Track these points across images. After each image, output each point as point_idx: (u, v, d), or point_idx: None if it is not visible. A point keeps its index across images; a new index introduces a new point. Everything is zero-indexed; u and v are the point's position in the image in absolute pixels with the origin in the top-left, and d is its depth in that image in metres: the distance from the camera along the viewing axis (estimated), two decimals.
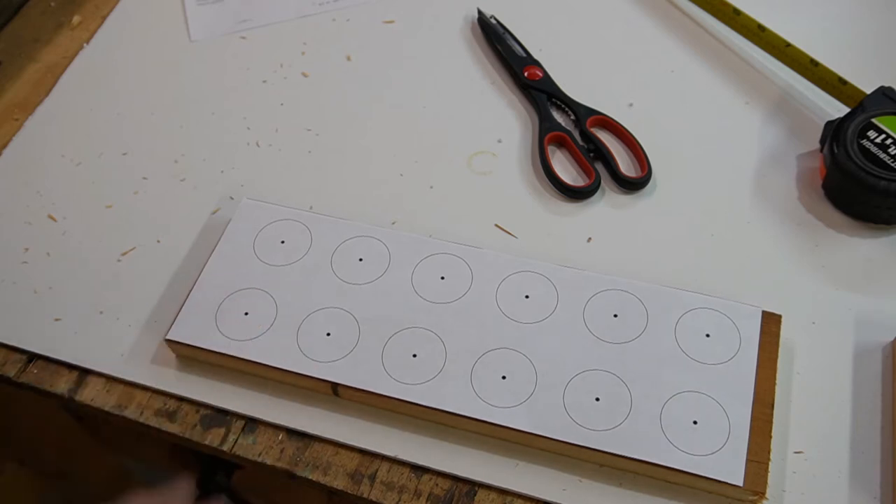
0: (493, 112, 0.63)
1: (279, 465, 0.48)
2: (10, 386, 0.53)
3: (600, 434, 0.46)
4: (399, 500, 0.47)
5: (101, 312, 0.54)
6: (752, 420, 0.46)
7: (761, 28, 0.62)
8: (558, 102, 0.62)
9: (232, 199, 0.59)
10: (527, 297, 0.51)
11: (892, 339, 0.50)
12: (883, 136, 0.54)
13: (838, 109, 0.59)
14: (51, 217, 0.59)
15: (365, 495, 0.47)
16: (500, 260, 0.52)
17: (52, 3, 0.73)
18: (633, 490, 0.46)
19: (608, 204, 0.58)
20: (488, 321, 0.50)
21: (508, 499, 0.47)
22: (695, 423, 0.46)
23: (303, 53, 0.68)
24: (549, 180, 0.58)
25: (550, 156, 0.60)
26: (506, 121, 0.63)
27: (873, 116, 0.55)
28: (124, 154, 0.62)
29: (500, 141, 0.61)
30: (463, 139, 0.62)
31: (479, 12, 0.68)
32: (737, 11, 0.64)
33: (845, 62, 0.60)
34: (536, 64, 0.64)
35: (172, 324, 0.51)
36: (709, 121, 0.61)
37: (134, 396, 0.51)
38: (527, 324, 0.50)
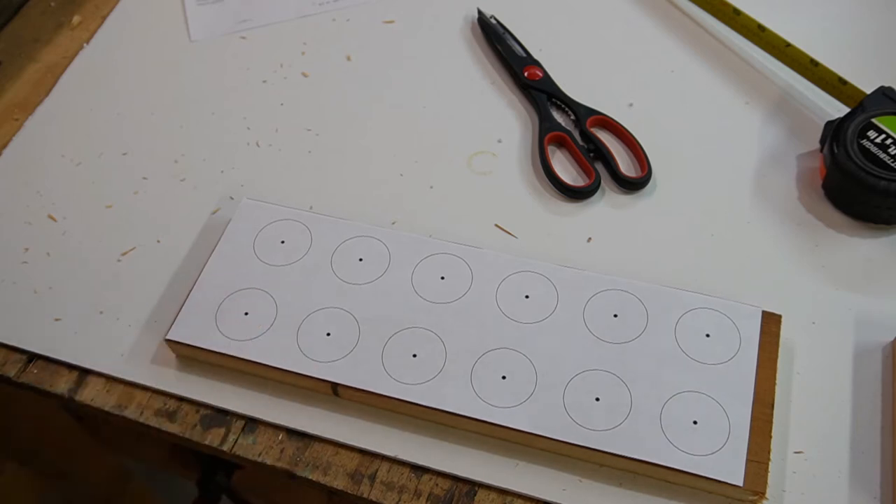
0: (493, 112, 0.63)
1: (279, 465, 0.48)
2: (10, 386, 0.53)
3: (600, 434, 0.46)
4: (399, 500, 0.47)
5: (101, 312, 0.54)
6: (752, 420, 0.46)
7: (761, 28, 0.62)
8: (558, 102, 0.63)
9: (232, 199, 0.59)
10: (527, 297, 0.51)
11: (892, 339, 0.50)
12: (883, 136, 0.54)
13: (838, 109, 0.59)
14: (51, 217, 0.59)
15: (365, 495, 0.47)
16: (500, 260, 0.52)
17: (52, 3, 0.73)
18: (633, 490, 0.46)
19: (608, 204, 0.58)
20: (488, 321, 0.50)
21: (508, 499, 0.47)
22: (695, 423, 0.46)
23: (303, 53, 0.68)
24: (549, 180, 0.58)
25: (550, 156, 0.60)
26: (506, 121, 0.63)
27: (873, 116, 0.55)
28: (124, 154, 0.62)
29: (500, 141, 0.61)
30: (463, 139, 0.62)
31: (479, 12, 0.68)
32: (737, 11, 0.64)
33: (845, 62, 0.60)
34: (536, 64, 0.64)
35: (172, 324, 0.51)
36: (709, 121, 0.61)
37: (134, 396, 0.51)
38: (527, 324, 0.50)
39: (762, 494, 0.44)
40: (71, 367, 0.53)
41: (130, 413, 0.51)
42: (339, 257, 0.53)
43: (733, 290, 0.53)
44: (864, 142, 0.54)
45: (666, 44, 0.66)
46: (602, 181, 0.58)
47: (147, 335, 0.53)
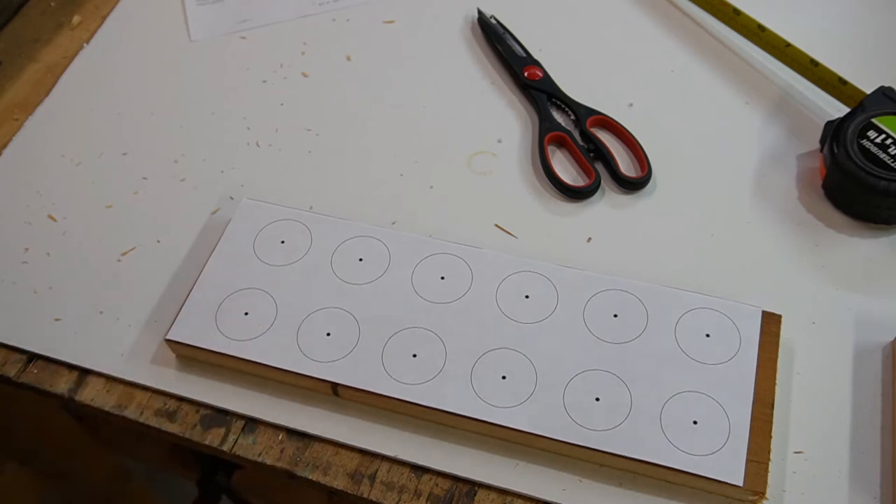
0: (493, 112, 0.63)
1: (279, 465, 0.48)
2: (10, 386, 0.53)
3: (600, 434, 0.46)
4: (399, 500, 0.47)
5: (101, 312, 0.54)
6: (752, 420, 0.46)
7: (761, 28, 0.62)
8: (558, 102, 0.63)
9: (232, 199, 0.59)
10: (527, 297, 0.51)
11: (892, 339, 0.50)
12: (883, 136, 0.54)
13: (838, 109, 0.59)
14: (51, 217, 0.59)
15: (365, 495, 0.47)
16: (500, 260, 0.52)
17: (52, 3, 0.73)
18: (633, 490, 0.46)
19: (608, 204, 0.58)
20: (488, 321, 0.50)
21: (508, 499, 0.47)
22: (695, 423, 0.46)
23: (303, 53, 0.68)
24: (549, 180, 0.58)
25: (550, 156, 0.60)
26: (506, 121, 0.63)
27: (873, 116, 0.55)
28: (124, 154, 0.62)
29: (500, 141, 0.61)
30: (463, 139, 0.62)
31: (479, 12, 0.68)
32: (737, 11, 0.64)
33: (845, 62, 0.60)
34: (536, 64, 0.64)
35: (172, 324, 0.51)
36: (709, 121, 0.61)
37: (134, 396, 0.51)
38: (527, 324, 0.50)
39: (762, 494, 0.44)
40: (71, 367, 0.53)
41: (130, 413, 0.51)
42: (339, 257, 0.53)
43: (733, 290, 0.53)
44: (864, 142, 0.54)
45: (666, 44, 0.66)
46: (602, 181, 0.58)
47: (147, 335, 0.53)
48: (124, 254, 0.57)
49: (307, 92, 0.65)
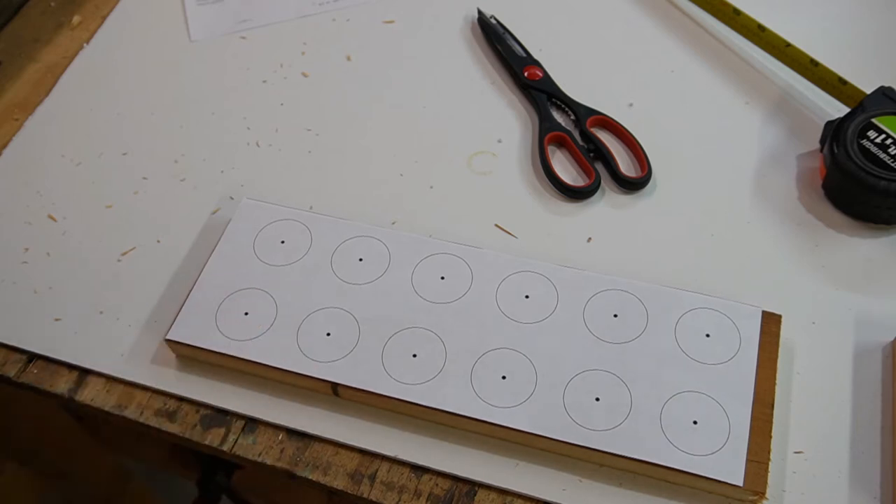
0: (493, 112, 0.63)
1: (279, 465, 0.48)
2: (10, 386, 0.53)
3: (600, 434, 0.46)
4: (399, 500, 0.47)
5: (101, 312, 0.54)
6: (752, 420, 0.46)
7: (761, 28, 0.62)
8: (558, 102, 0.63)
9: (232, 199, 0.59)
10: (527, 297, 0.51)
11: (892, 339, 0.50)
12: (883, 136, 0.54)
13: (838, 109, 0.59)
14: (51, 217, 0.59)
15: (365, 495, 0.47)
16: (500, 260, 0.52)
17: (52, 3, 0.73)
18: (633, 490, 0.46)
19: (608, 204, 0.58)
20: (488, 321, 0.50)
21: (508, 499, 0.47)
22: (695, 423, 0.46)
23: (303, 53, 0.68)
24: (549, 180, 0.58)
25: (550, 156, 0.60)
26: (506, 121, 0.63)
27: (873, 116, 0.55)
28: (124, 154, 0.62)
29: (500, 141, 0.61)
30: (463, 139, 0.62)
31: (479, 12, 0.68)
32: (737, 11, 0.64)
33: (845, 62, 0.60)
34: (536, 64, 0.64)
35: (172, 324, 0.51)
36: (709, 121, 0.61)
37: (134, 396, 0.51)
38: (527, 324, 0.50)
39: (762, 494, 0.44)
40: (71, 367, 0.53)
41: (130, 413, 0.51)
42: (339, 257, 0.53)
43: (733, 290, 0.53)
44: (864, 142, 0.54)
45: (666, 44, 0.66)
46: (602, 181, 0.58)
47: (147, 335, 0.53)
48: (124, 254, 0.57)
49: (307, 92, 0.65)
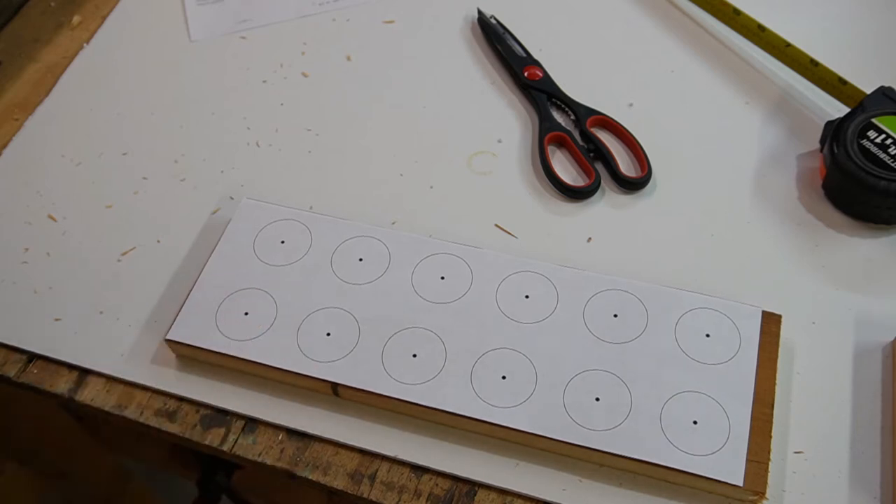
0: (493, 112, 0.63)
1: (279, 465, 0.48)
2: (10, 386, 0.53)
3: (600, 434, 0.46)
4: (399, 500, 0.47)
5: (101, 312, 0.54)
6: (752, 420, 0.46)
7: (761, 28, 0.62)
8: (558, 102, 0.63)
9: (232, 199, 0.59)
10: (527, 297, 0.51)
11: (892, 339, 0.50)
12: (883, 136, 0.54)
13: (838, 109, 0.59)
14: (51, 217, 0.59)
15: (365, 495, 0.47)
16: (500, 260, 0.52)
17: (52, 3, 0.73)
18: (633, 490, 0.46)
19: (608, 204, 0.58)
20: (488, 321, 0.50)
21: (508, 499, 0.47)
22: (695, 423, 0.46)
23: (303, 53, 0.68)
24: (549, 180, 0.58)
25: (550, 156, 0.60)
26: (506, 121, 0.63)
27: (873, 116, 0.55)
28: (124, 154, 0.62)
29: (500, 141, 0.61)
30: (463, 139, 0.62)
31: (479, 12, 0.68)
32: (737, 11, 0.64)
33: (845, 62, 0.60)
34: (536, 64, 0.64)
35: (172, 324, 0.51)
36: (709, 121, 0.61)
37: (134, 396, 0.51)
38: (527, 324, 0.50)
39: (762, 494, 0.44)
40: (71, 367, 0.53)
41: (130, 413, 0.51)
42: (339, 257, 0.53)
43: (733, 290, 0.53)
44: (864, 142, 0.54)
45: (666, 44, 0.66)
46: (602, 181, 0.58)
47: (147, 335, 0.53)
48: (124, 254, 0.57)
49: (307, 92, 0.65)
